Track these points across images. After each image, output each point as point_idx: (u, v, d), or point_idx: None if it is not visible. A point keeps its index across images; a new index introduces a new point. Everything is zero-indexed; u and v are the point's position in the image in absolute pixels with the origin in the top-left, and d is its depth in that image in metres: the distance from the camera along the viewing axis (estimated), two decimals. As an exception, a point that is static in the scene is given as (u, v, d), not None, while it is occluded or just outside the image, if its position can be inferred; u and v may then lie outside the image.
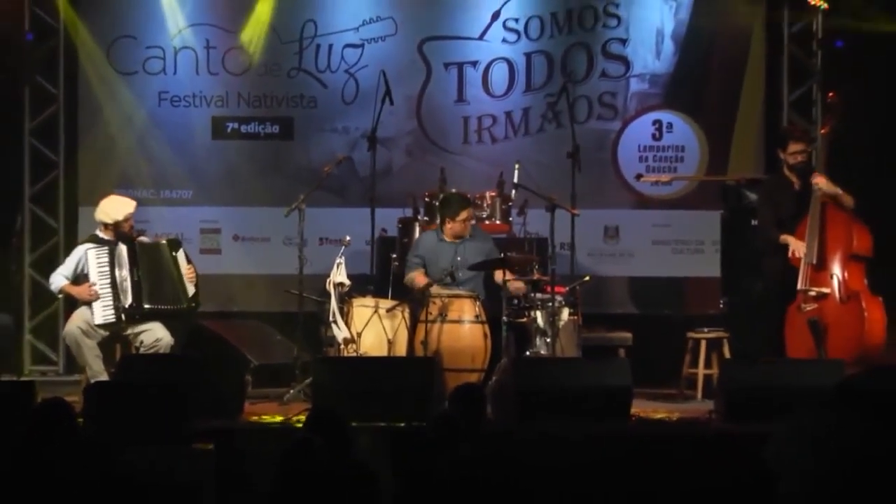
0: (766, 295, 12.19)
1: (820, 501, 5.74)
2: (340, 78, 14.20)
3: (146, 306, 11.66)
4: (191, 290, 11.89)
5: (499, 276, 12.11)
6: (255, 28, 14.07)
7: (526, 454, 8.77)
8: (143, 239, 11.95)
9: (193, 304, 11.96)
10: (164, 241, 12.04)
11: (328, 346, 11.96)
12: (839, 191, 11.83)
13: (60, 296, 12.36)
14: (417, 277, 12.11)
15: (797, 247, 11.72)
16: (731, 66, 14.26)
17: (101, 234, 11.81)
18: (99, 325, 11.57)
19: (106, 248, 11.70)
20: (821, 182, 11.79)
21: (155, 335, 11.59)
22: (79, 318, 11.59)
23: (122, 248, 11.70)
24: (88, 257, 11.70)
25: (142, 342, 11.60)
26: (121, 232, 11.72)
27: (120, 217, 11.74)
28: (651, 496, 8.13)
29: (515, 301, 12.03)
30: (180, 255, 11.93)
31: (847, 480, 5.72)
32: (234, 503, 6.05)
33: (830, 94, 13.18)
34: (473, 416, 7.94)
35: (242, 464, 8.88)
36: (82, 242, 12.02)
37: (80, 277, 11.67)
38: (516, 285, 11.98)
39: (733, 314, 13.02)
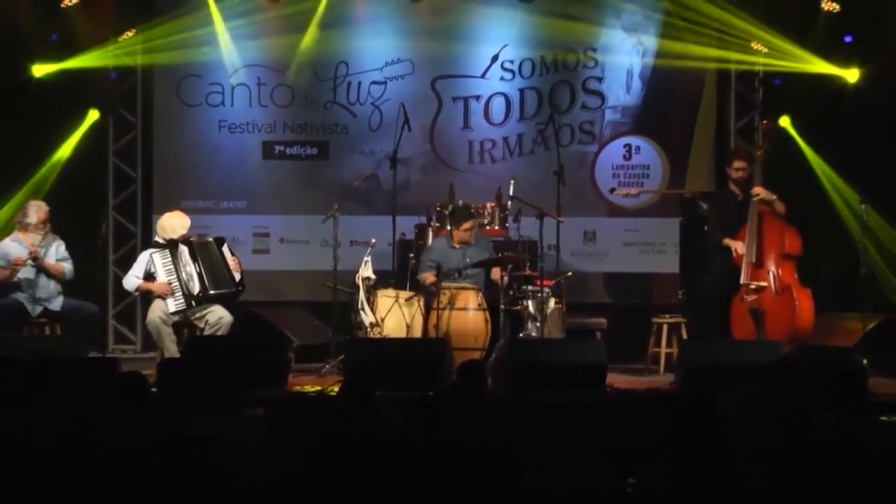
0: (715, 287, 12.21)
1: (761, 458, 5.72)
2: (367, 109, 14.18)
3: (211, 292, 11.72)
4: (237, 276, 11.94)
5: (495, 274, 12.17)
6: (295, 71, 14.08)
7: (518, 417, 8.75)
8: (194, 238, 11.98)
9: (241, 288, 12.00)
10: (211, 239, 12.08)
11: (357, 329, 11.97)
12: (774, 197, 11.86)
13: (136, 293, 12.40)
14: (427, 277, 12.13)
15: (737, 247, 11.76)
16: (687, 99, 14.22)
17: (158, 239, 11.86)
18: (172, 313, 11.60)
19: (167, 250, 11.75)
20: (759, 190, 11.85)
21: (217, 315, 11.66)
22: (157, 309, 11.64)
23: (184, 248, 11.75)
24: (154, 260, 11.75)
25: (207, 321, 11.66)
26: (177, 239, 11.78)
27: (183, 233, 11.81)
28: (622, 451, 8.11)
29: (511, 292, 12.06)
30: (225, 249, 12.01)
31: (783, 440, 5.72)
32: (280, 458, 6.03)
33: (764, 121, 13.23)
34: (476, 387, 7.93)
35: (287, 426, 8.87)
36: (145, 250, 12.09)
37: (148, 276, 11.74)
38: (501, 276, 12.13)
39: (689, 303, 13.04)
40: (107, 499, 5.46)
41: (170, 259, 11.72)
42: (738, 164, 12.15)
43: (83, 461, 5.69)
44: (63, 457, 5.75)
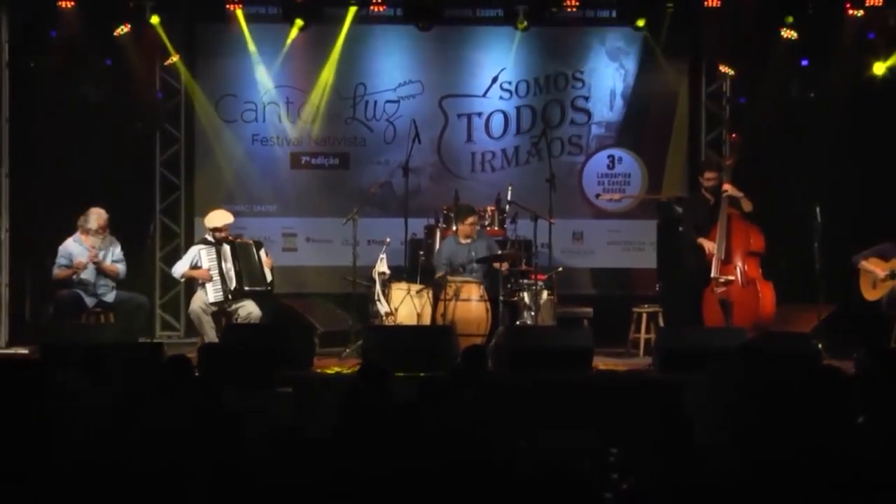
0: (689, 281, 12.22)
1: (725, 435, 5.73)
2: (383, 125, 14.22)
3: (245, 288, 11.80)
4: (269, 276, 12.00)
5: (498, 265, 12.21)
6: (320, 91, 14.13)
7: (517, 395, 8.79)
8: (238, 239, 12.06)
9: (270, 288, 12.06)
10: (251, 242, 12.17)
11: (374, 317, 12.00)
12: (741, 195, 11.89)
13: (182, 279, 12.52)
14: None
15: (708, 246, 11.78)
16: (663, 115, 14.26)
17: (208, 237, 11.95)
18: (211, 303, 11.69)
19: (213, 247, 11.85)
20: (728, 187, 11.88)
21: (248, 309, 11.74)
22: (198, 300, 11.77)
23: (227, 248, 11.85)
24: (201, 254, 11.86)
25: (238, 315, 11.71)
26: (222, 236, 11.86)
27: (221, 224, 11.94)
28: (605, 421, 8.16)
29: (509, 285, 12.08)
30: (262, 252, 12.06)
31: (745, 417, 5.73)
32: (307, 430, 6.08)
33: (733, 135, 13.26)
34: (478, 368, 7.97)
35: (313, 402, 8.91)
36: (195, 244, 12.19)
37: (194, 268, 11.83)
38: (504, 268, 12.07)
39: (665, 294, 13.08)
40: (152, 465, 5.48)
41: (215, 255, 11.83)
42: (708, 174, 12.17)
43: (136, 431, 5.73)
44: (120, 430, 5.78)
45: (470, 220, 12.27)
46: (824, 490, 4.89)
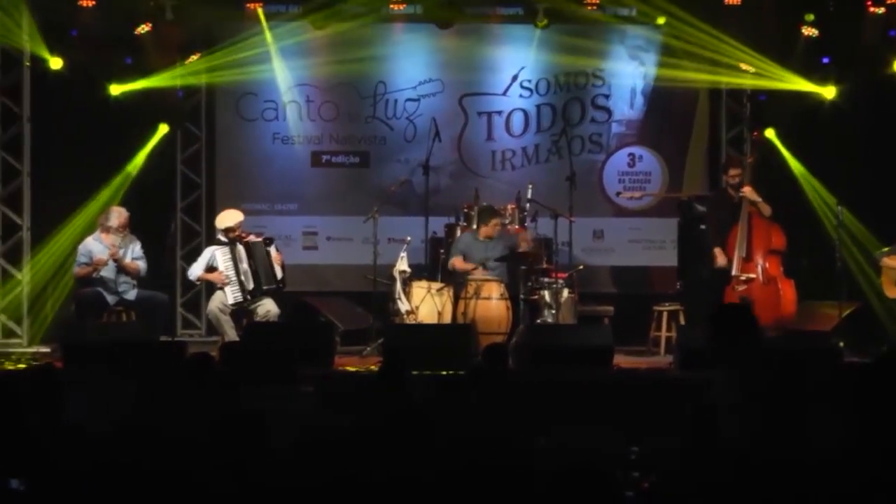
0: (709, 279, 12.23)
1: (745, 430, 5.75)
2: (403, 123, 14.21)
3: (264, 287, 11.83)
4: (280, 273, 12.02)
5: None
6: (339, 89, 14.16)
7: (538, 393, 8.79)
8: (251, 239, 12.09)
9: (282, 285, 12.09)
10: (261, 240, 12.19)
11: (394, 316, 12.02)
12: (760, 199, 11.90)
13: (198, 282, 12.56)
14: (457, 262, 12.22)
15: (719, 257, 11.84)
16: (684, 113, 14.23)
17: (221, 237, 11.99)
18: (231, 304, 11.73)
19: (227, 248, 11.88)
20: (747, 191, 11.89)
21: (266, 307, 11.78)
22: (217, 300, 11.80)
23: (241, 248, 11.89)
24: (216, 255, 11.89)
25: (257, 313, 11.75)
26: (235, 235, 11.89)
27: (233, 223, 11.98)
28: (626, 420, 8.16)
29: (529, 283, 12.09)
30: (272, 248, 12.09)
31: (765, 413, 5.74)
32: (328, 428, 6.09)
33: (755, 133, 13.25)
34: (499, 367, 7.98)
35: (334, 400, 8.93)
36: (208, 246, 12.24)
37: (209, 269, 11.91)
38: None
39: (686, 292, 13.09)
40: (173, 464, 5.50)
41: (229, 256, 11.84)
42: (733, 171, 12.20)
43: (161, 429, 5.75)
44: (146, 427, 5.80)
45: (493, 222, 12.30)
46: (841, 490, 4.89)
